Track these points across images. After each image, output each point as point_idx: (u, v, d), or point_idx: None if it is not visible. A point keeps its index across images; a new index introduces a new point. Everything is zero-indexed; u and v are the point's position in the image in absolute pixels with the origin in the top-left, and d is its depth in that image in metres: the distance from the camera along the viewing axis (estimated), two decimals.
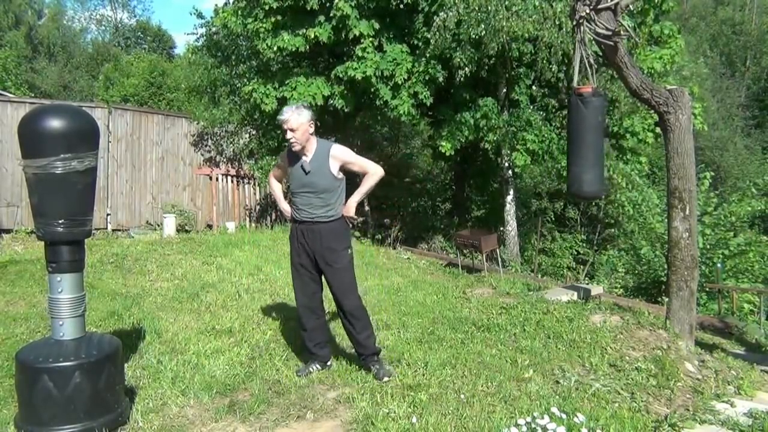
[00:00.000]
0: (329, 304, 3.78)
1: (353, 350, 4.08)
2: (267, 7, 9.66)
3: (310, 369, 3.71)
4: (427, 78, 9.73)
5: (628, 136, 10.44)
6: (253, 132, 12.01)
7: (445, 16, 8.96)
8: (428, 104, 10.02)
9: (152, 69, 23.26)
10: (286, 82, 10.29)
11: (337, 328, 4.51)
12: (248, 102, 11.24)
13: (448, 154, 10.58)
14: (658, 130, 9.91)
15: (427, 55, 9.56)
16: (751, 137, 28.18)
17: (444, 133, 10.50)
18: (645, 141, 10.48)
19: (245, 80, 11.46)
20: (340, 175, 3.59)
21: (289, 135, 3.45)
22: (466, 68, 9.25)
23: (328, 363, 3.80)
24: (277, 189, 3.94)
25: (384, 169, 3.73)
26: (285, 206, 3.88)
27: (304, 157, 3.53)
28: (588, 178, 4.43)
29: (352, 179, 3.90)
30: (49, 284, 2.88)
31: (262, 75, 10.98)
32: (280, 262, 6.90)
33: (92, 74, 31.94)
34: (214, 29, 12.40)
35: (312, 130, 3.53)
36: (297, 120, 3.43)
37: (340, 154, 3.56)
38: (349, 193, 3.70)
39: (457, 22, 9.02)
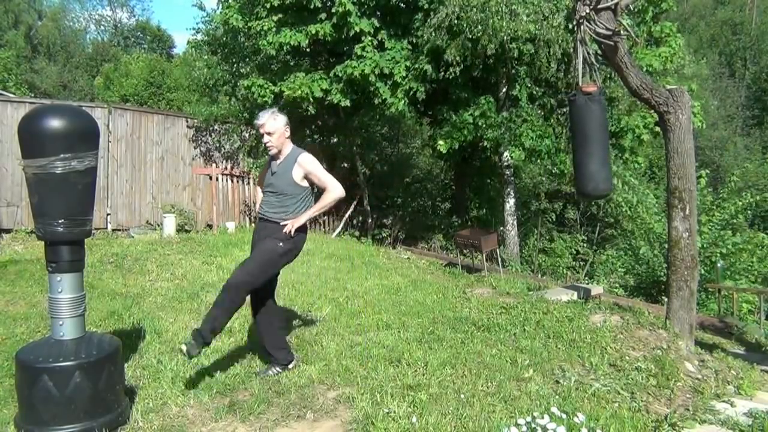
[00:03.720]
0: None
1: (353, 350, 4.09)
2: (269, 5, 9.66)
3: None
4: (421, 74, 9.73)
5: (623, 134, 10.41)
6: (253, 131, 12.02)
7: (442, 15, 8.94)
8: (422, 99, 10.00)
9: (151, 69, 23.28)
10: (285, 78, 10.29)
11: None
12: (247, 99, 11.23)
13: (444, 152, 10.58)
14: (656, 128, 9.91)
15: (424, 50, 9.56)
16: (750, 137, 28.23)
17: (442, 132, 10.50)
18: (639, 137, 10.41)
19: (246, 78, 11.45)
20: (304, 183, 3.60)
21: (265, 139, 3.52)
22: (459, 66, 9.22)
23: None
24: (259, 195, 3.92)
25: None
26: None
27: (275, 160, 3.61)
28: (601, 177, 4.43)
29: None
30: (49, 284, 2.88)
31: (262, 73, 10.97)
32: None
33: (92, 74, 31.96)
34: (214, 25, 12.39)
35: (288, 134, 3.58)
36: (273, 125, 3.50)
37: (305, 163, 3.57)
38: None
39: (457, 17, 9.00)
